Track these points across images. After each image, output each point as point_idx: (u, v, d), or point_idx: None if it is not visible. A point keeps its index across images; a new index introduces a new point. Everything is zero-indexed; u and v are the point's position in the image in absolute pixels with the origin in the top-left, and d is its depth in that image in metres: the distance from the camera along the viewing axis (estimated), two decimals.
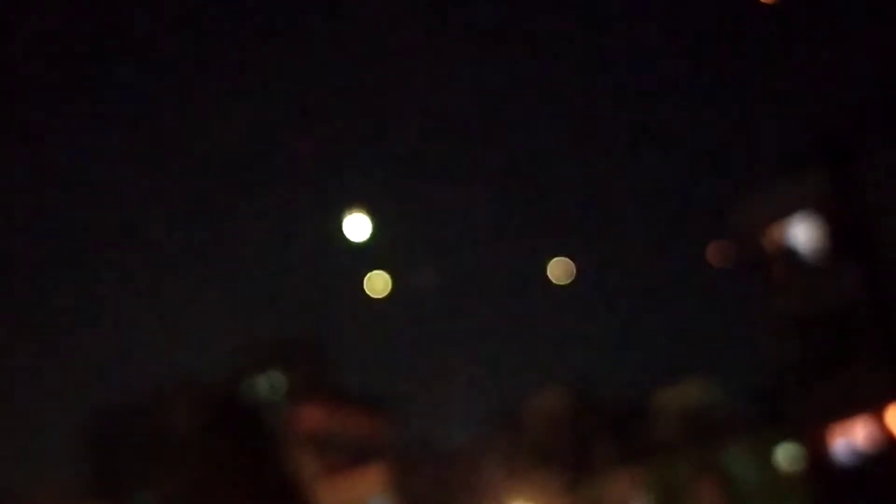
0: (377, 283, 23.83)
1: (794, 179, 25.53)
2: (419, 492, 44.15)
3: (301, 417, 34.75)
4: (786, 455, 31.91)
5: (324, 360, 54.29)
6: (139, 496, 36.16)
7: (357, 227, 23.90)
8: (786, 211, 25.61)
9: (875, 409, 22.86)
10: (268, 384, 45.56)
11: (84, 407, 45.25)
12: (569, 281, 25.66)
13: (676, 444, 35.20)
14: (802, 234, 25.40)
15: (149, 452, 34.56)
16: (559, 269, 25.29)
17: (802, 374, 24.30)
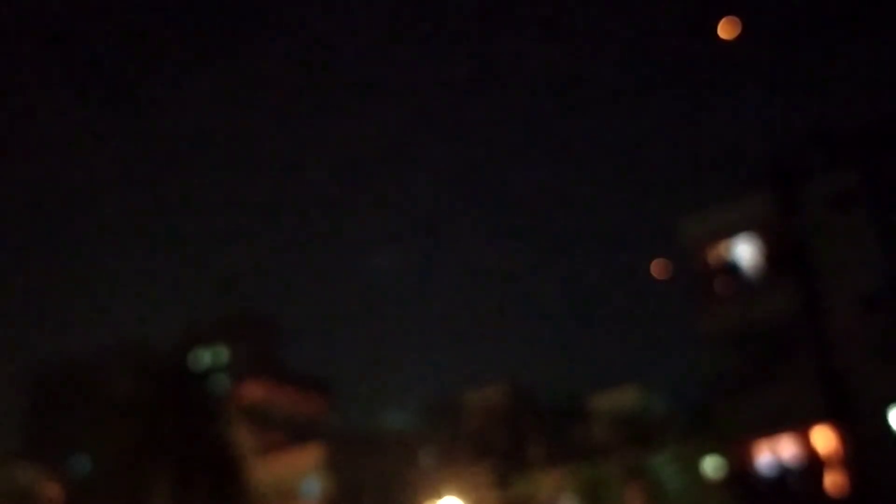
0: None
1: (740, 200, 26.11)
2: (353, 475, 44.18)
3: (242, 392, 34.57)
4: (712, 465, 32.56)
5: (269, 338, 54.17)
6: (75, 459, 35.69)
7: None
8: (730, 230, 26.16)
9: (802, 426, 23.39)
10: (212, 357, 45.29)
11: (24, 367, 44.57)
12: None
13: (608, 447, 35.66)
14: (744, 252, 25.96)
15: (88, 415, 34.14)
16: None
17: (734, 387, 24.74)
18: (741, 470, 24.30)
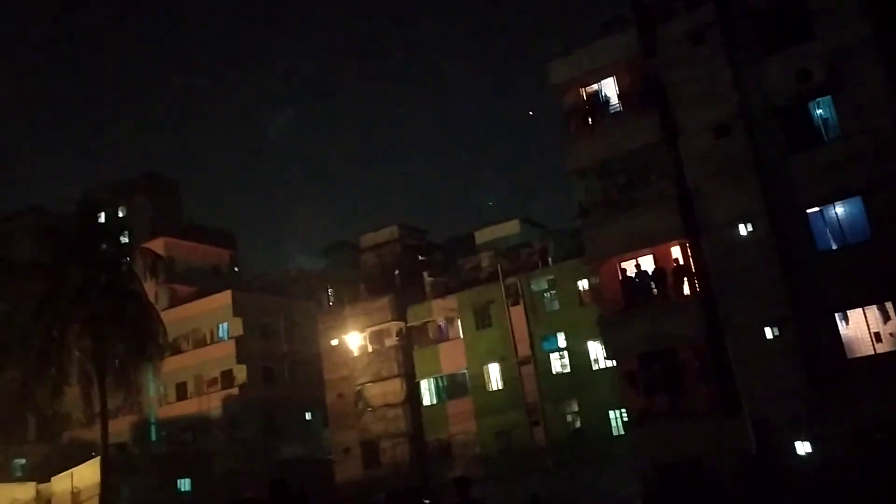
0: None
1: (606, 42, 27.42)
2: (262, 317, 45.97)
3: (146, 248, 34.93)
4: (585, 284, 35.40)
5: (171, 196, 53.93)
6: None
7: None
8: (597, 70, 27.52)
9: (662, 243, 25.64)
10: (114, 217, 45.16)
11: None
12: None
13: (494, 275, 38.03)
14: (610, 90, 27.47)
15: None
16: None
17: (602, 213, 26.70)
18: (609, 282, 26.55)
